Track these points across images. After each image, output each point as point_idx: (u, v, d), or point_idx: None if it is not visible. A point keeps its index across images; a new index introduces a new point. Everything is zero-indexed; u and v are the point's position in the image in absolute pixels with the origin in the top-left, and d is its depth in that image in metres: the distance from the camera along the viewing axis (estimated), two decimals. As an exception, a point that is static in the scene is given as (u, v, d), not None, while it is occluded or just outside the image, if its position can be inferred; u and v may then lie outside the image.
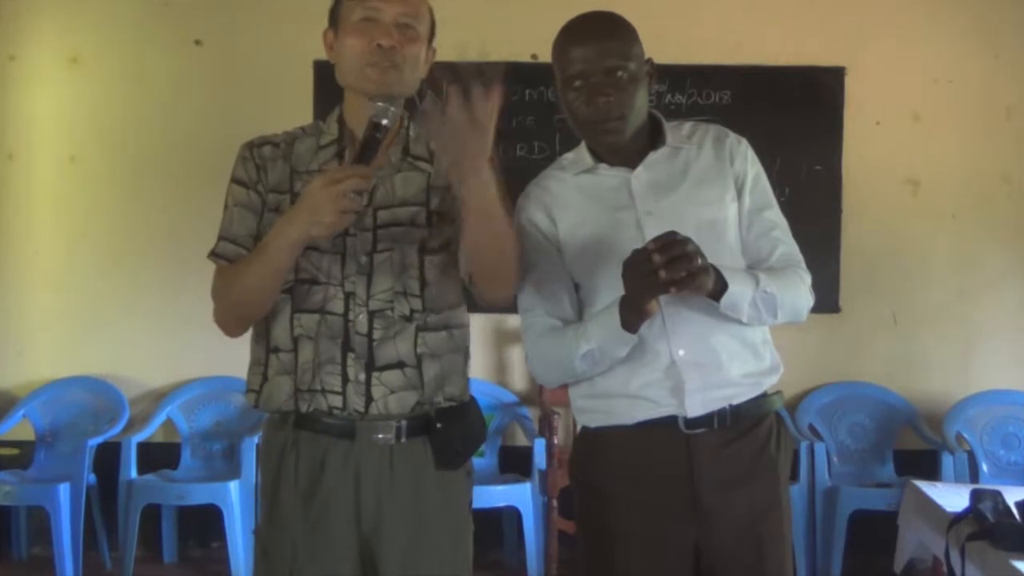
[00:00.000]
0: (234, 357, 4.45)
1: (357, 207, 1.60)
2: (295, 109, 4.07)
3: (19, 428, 4.21)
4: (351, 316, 1.74)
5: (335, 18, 1.81)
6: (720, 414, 1.82)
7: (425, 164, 1.83)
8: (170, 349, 4.33)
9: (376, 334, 1.74)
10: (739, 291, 1.75)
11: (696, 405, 1.81)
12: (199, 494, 3.95)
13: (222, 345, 4.56)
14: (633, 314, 1.72)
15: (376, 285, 1.75)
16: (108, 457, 4.04)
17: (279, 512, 1.76)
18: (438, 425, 1.78)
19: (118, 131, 4.34)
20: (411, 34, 1.76)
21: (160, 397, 4.29)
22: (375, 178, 1.65)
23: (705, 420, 1.81)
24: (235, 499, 3.89)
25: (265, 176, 1.78)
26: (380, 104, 1.66)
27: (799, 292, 1.86)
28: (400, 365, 1.75)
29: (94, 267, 4.35)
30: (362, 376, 1.73)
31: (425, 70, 1.82)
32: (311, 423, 1.74)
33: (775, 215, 1.91)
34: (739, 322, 1.82)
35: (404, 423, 1.76)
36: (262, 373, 1.78)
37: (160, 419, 4.22)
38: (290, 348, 1.75)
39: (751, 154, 1.92)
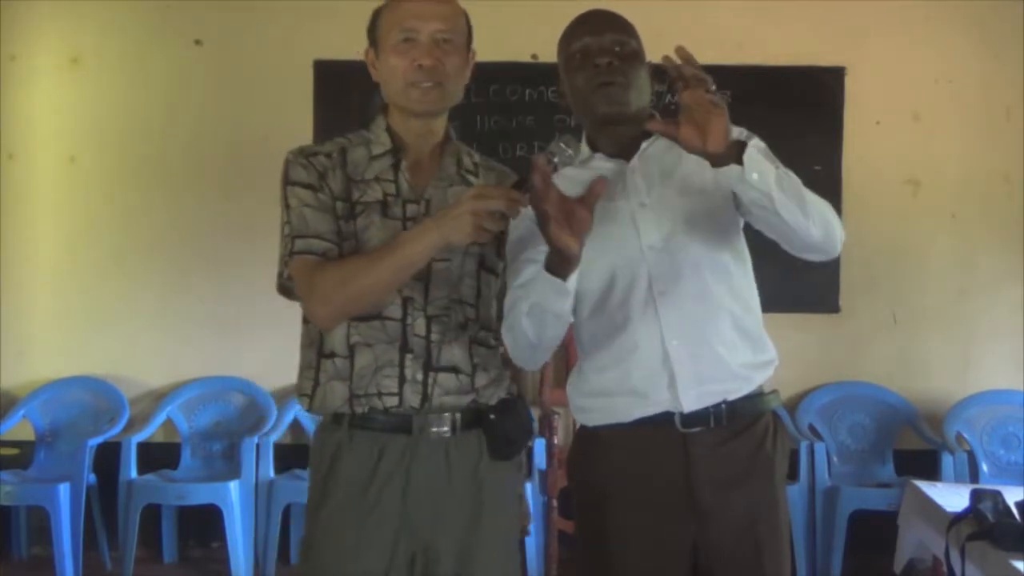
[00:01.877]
0: (234, 357, 4.50)
1: (497, 228, 1.63)
2: (295, 109, 4.08)
3: (19, 428, 4.21)
4: (409, 320, 1.78)
5: (374, 37, 1.84)
6: (716, 412, 1.82)
7: (473, 178, 1.89)
8: (170, 349, 4.33)
9: (434, 336, 1.79)
10: (760, 154, 1.66)
11: (691, 400, 1.80)
12: (199, 494, 3.95)
13: (222, 345, 4.60)
14: (554, 255, 1.66)
15: (433, 291, 1.80)
16: (108, 457, 4.04)
17: (330, 504, 1.77)
18: (491, 417, 1.83)
19: (118, 131, 4.34)
20: (450, 48, 1.80)
21: (160, 397, 4.29)
22: (520, 206, 1.64)
23: (701, 418, 1.81)
24: (235, 499, 3.90)
25: (328, 183, 1.79)
26: (561, 144, 1.68)
27: (824, 205, 1.74)
28: (455, 370, 1.80)
29: (94, 267, 4.35)
30: (420, 376, 1.77)
31: (467, 76, 1.88)
32: (367, 422, 1.78)
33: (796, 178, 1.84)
34: (734, 308, 1.82)
35: (459, 416, 1.80)
36: (313, 378, 1.81)
37: (160, 419, 4.22)
38: (346, 355, 1.78)
39: (746, 134, 1.89)
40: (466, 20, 1.88)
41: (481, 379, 1.83)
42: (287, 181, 1.80)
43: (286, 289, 1.83)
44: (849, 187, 4.28)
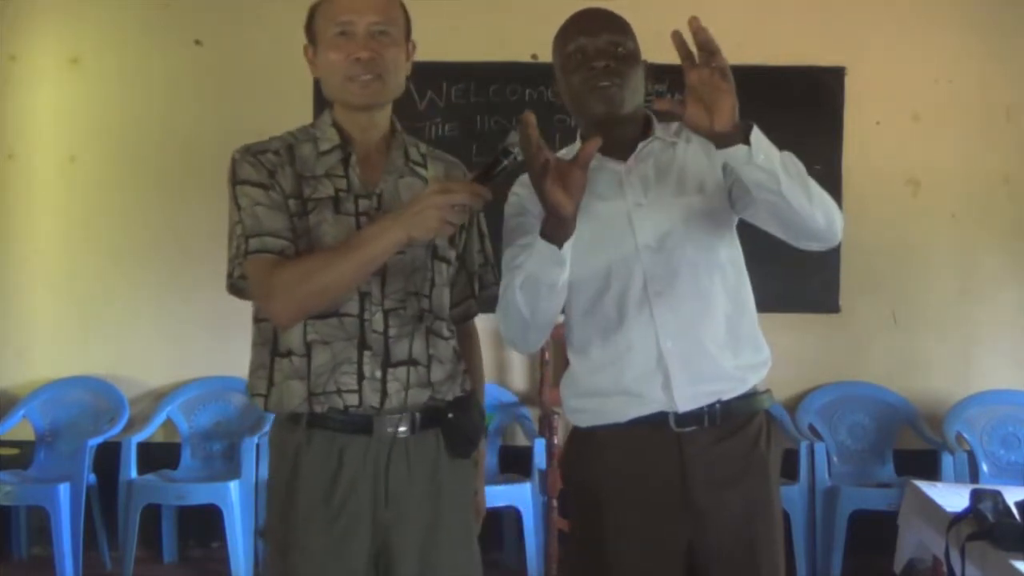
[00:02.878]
0: (234, 357, 4.44)
1: (461, 220, 1.63)
2: (295, 109, 4.06)
3: (19, 428, 4.21)
4: (367, 315, 1.77)
5: (311, 34, 1.84)
6: (710, 412, 1.82)
7: (422, 169, 1.89)
8: (170, 349, 4.33)
9: (392, 331, 1.78)
10: (765, 139, 1.62)
11: (686, 400, 1.80)
12: (199, 494, 3.95)
13: (222, 345, 4.60)
14: (549, 219, 1.65)
15: (389, 285, 1.79)
16: (108, 457, 4.04)
17: (296, 509, 1.77)
18: (449, 415, 1.83)
19: (118, 131, 4.34)
20: (387, 40, 1.79)
21: (160, 397, 4.29)
22: (482, 199, 1.64)
23: (695, 418, 1.81)
24: (235, 499, 3.89)
25: (278, 181, 1.78)
26: (517, 134, 1.67)
27: (824, 192, 1.73)
28: (413, 363, 1.79)
29: (94, 267, 4.34)
30: (378, 373, 1.77)
31: (408, 68, 1.87)
32: (326, 422, 1.77)
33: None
34: (728, 309, 1.82)
35: (418, 415, 1.80)
36: (267, 377, 1.79)
37: (160, 419, 4.22)
38: (303, 353, 1.76)
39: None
40: (403, 12, 1.86)
41: (437, 373, 1.82)
42: (236, 180, 1.78)
43: (238, 289, 1.81)
44: (849, 187, 4.27)
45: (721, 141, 1.61)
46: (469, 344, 2.01)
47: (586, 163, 1.62)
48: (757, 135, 1.60)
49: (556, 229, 1.65)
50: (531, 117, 1.58)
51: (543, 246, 1.67)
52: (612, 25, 1.84)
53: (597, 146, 1.63)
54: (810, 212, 1.68)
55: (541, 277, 1.70)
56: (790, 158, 1.67)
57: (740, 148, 1.59)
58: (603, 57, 1.80)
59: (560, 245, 1.66)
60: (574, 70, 1.83)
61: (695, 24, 1.53)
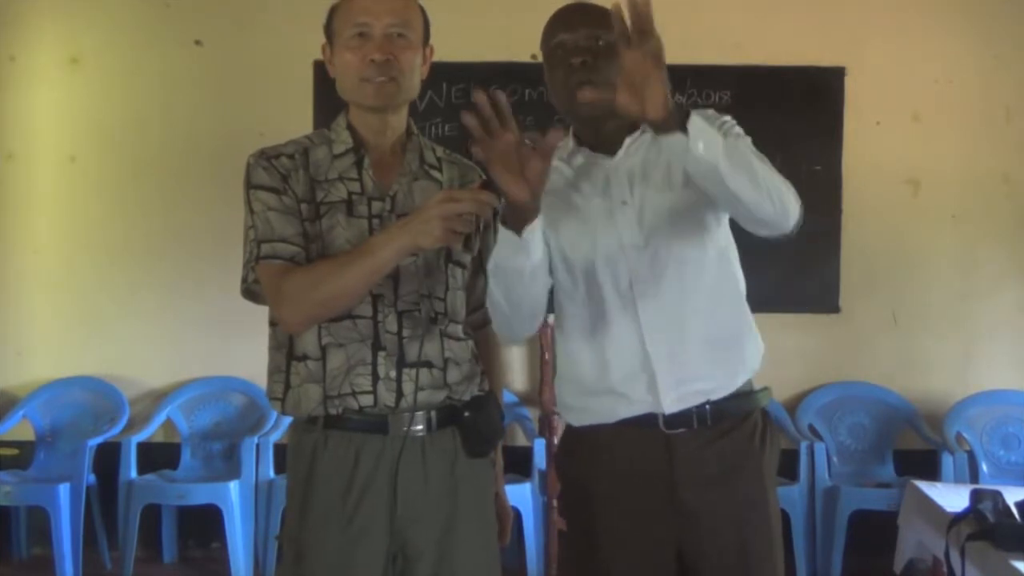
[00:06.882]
0: (234, 357, 4.50)
1: (466, 229, 1.62)
2: (295, 109, 4.08)
3: (19, 428, 4.21)
4: (380, 317, 1.77)
5: (329, 33, 1.84)
6: (700, 413, 1.79)
7: (437, 173, 1.89)
8: (170, 349, 4.33)
9: (406, 332, 1.78)
10: (706, 122, 1.55)
11: (672, 402, 1.78)
12: (199, 494, 3.96)
13: (222, 345, 4.61)
14: (507, 206, 1.64)
15: (402, 287, 1.79)
16: (108, 457, 4.04)
17: (312, 510, 1.77)
18: (466, 414, 1.83)
19: (118, 131, 4.33)
20: (403, 43, 1.79)
21: (160, 397, 4.29)
22: (489, 206, 1.63)
23: (685, 419, 1.79)
24: (235, 499, 3.90)
25: (291, 186, 1.78)
26: (528, 139, 1.67)
27: (779, 178, 1.67)
28: (428, 365, 1.79)
29: (94, 267, 4.35)
30: (393, 373, 1.77)
31: (425, 71, 1.87)
32: (341, 423, 1.77)
33: (748, 146, 1.73)
34: (715, 307, 1.80)
35: (434, 414, 1.80)
36: (284, 381, 1.80)
37: (160, 419, 4.22)
38: (318, 356, 1.77)
39: (711, 114, 1.76)
40: (422, 15, 1.86)
41: (453, 374, 1.82)
42: (249, 185, 1.79)
43: (252, 293, 1.82)
44: (849, 187, 4.28)
45: (657, 129, 1.58)
46: (489, 348, 1.99)
47: (547, 154, 1.59)
48: (697, 124, 1.54)
49: (513, 215, 1.64)
50: (481, 96, 1.55)
51: (503, 232, 1.66)
52: (590, 18, 1.81)
53: (559, 139, 1.61)
54: (756, 201, 1.62)
55: (505, 264, 1.70)
56: (736, 146, 1.62)
57: (677, 138, 1.54)
58: (581, 53, 1.78)
59: (519, 232, 1.64)
60: (556, 67, 1.82)
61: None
